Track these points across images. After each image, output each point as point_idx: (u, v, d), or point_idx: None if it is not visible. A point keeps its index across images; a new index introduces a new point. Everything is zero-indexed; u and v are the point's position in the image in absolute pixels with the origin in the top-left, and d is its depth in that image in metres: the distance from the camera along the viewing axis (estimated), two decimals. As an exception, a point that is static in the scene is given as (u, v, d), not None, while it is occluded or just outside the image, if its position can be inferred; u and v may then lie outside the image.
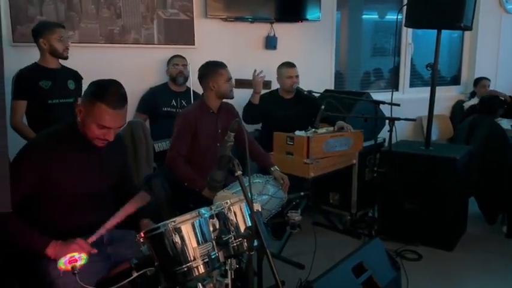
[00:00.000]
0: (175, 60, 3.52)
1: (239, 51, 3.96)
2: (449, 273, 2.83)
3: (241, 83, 3.97)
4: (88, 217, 1.79)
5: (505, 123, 3.98)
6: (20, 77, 2.72)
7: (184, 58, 3.55)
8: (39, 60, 2.81)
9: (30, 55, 2.84)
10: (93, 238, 1.65)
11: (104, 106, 1.66)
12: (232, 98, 2.78)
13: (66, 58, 2.83)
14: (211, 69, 2.69)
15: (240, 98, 3.69)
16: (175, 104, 3.49)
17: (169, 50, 3.60)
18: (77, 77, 2.95)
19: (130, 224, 1.91)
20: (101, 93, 1.68)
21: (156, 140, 3.16)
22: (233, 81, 2.78)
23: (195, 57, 3.48)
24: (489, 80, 5.07)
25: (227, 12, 3.81)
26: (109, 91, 1.68)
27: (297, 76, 3.56)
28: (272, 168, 2.69)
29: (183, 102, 3.48)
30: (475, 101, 4.82)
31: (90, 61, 3.23)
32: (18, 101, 2.71)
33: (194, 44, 3.75)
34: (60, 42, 2.76)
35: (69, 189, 1.74)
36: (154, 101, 3.48)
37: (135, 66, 3.56)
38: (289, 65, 3.57)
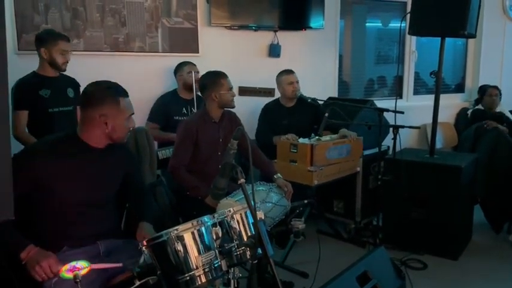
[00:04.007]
0: (190, 68, 3.47)
1: (243, 59, 3.97)
2: (455, 283, 2.80)
3: (245, 91, 4.00)
4: (90, 227, 1.79)
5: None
6: (20, 87, 2.70)
7: (195, 65, 3.51)
8: (37, 69, 2.78)
9: (35, 63, 2.85)
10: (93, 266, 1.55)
11: (124, 98, 1.80)
12: (233, 107, 2.77)
13: (63, 71, 2.81)
14: (212, 80, 2.68)
15: (243, 105, 3.70)
16: (185, 112, 3.48)
17: (174, 58, 3.62)
18: (75, 85, 2.94)
19: (131, 225, 1.91)
20: (115, 90, 1.79)
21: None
22: (234, 90, 2.77)
23: (200, 65, 3.50)
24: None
25: (231, 20, 3.82)
26: (115, 85, 1.82)
27: (297, 81, 3.59)
28: (275, 176, 2.69)
29: (193, 110, 3.47)
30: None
31: (95, 69, 3.25)
32: (20, 111, 2.69)
33: (198, 52, 3.76)
34: (60, 56, 2.73)
35: (69, 197, 1.74)
36: (167, 110, 3.47)
37: (140, 75, 3.57)
38: (287, 72, 3.60)
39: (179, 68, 3.53)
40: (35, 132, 2.75)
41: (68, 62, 2.79)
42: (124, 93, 1.82)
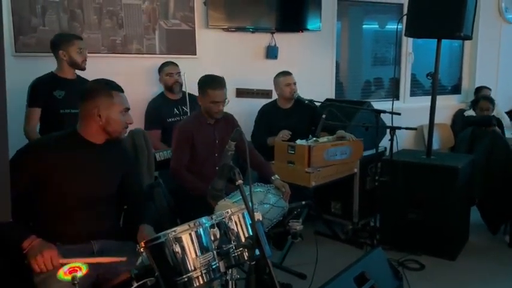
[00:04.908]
0: (169, 69, 3.48)
1: (240, 61, 3.98)
2: (452, 283, 2.81)
3: (242, 93, 4.00)
4: (85, 226, 1.79)
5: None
6: (36, 85, 2.80)
7: (177, 65, 3.51)
8: (56, 70, 2.86)
9: (32, 65, 2.86)
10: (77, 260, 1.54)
11: (118, 93, 1.86)
12: (218, 117, 2.72)
13: (84, 69, 2.90)
14: (203, 85, 2.67)
15: (240, 107, 3.71)
16: (177, 112, 3.49)
17: (171, 60, 3.61)
18: None
19: (130, 227, 1.91)
20: (108, 85, 1.85)
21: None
22: (227, 100, 2.69)
23: (197, 67, 3.50)
24: (490, 89, 5.07)
25: (228, 22, 3.83)
26: (111, 82, 1.89)
27: (295, 83, 3.60)
28: (273, 177, 2.69)
29: (184, 109, 3.47)
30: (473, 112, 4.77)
31: (92, 71, 3.24)
32: (33, 108, 2.79)
33: (196, 54, 3.77)
34: (79, 54, 2.84)
35: (68, 191, 1.75)
36: (159, 113, 3.47)
37: (137, 76, 3.57)
38: (285, 73, 3.61)
39: (160, 69, 3.53)
40: (45, 131, 2.80)
41: (86, 60, 2.88)
42: (118, 88, 1.87)
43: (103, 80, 1.91)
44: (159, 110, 3.48)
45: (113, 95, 1.82)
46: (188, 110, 3.39)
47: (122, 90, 1.88)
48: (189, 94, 3.40)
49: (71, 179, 1.76)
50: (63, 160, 1.75)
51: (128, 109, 1.88)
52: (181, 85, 3.48)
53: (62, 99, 2.81)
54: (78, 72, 2.94)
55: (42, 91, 2.79)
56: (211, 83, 2.65)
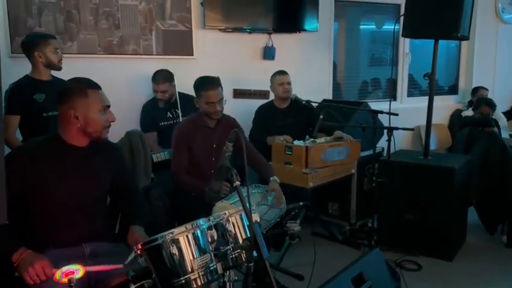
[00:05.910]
0: (154, 85, 3.43)
1: (237, 62, 3.98)
2: (449, 284, 2.81)
3: (239, 94, 4.00)
4: (76, 230, 1.78)
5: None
6: (14, 91, 2.67)
7: (165, 81, 3.40)
8: (31, 73, 2.75)
9: (29, 66, 2.84)
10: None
11: (95, 90, 1.78)
12: (217, 118, 2.68)
13: (60, 69, 2.79)
14: (197, 89, 2.66)
15: (238, 108, 3.70)
16: (171, 115, 3.48)
17: (168, 61, 3.61)
18: None
19: (122, 228, 1.90)
20: (84, 84, 1.78)
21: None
22: (224, 99, 2.67)
23: (194, 68, 3.49)
24: (487, 89, 5.08)
25: (225, 23, 3.82)
26: (85, 80, 1.80)
27: (289, 83, 3.59)
28: (271, 178, 2.68)
29: (178, 111, 3.46)
30: (470, 112, 4.77)
31: (88, 72, 3.19)
32: (12, 115, 2.66)
33: (193, 55, 3.76)
34: (55, 54, 2.72)
35: (55, 197, 1.73)
36: (152, 117, 3.48)
37: (134, 77, 3.56)
38: (280, 72, 3.61)
39: (152, 79, 3.46)
40: (30, 136, 2.69)
41: (62, 60, 2.78)
42: (94, 86, 1.79)
43: (77, 78, 1.83)
44: (152, 114, 3.48)
45: (88, 94, 1.74)
46: (180, 112, 3.39)
47: (98, 87, 1.80)
48: (181, 94, 3.39)
49: (57, 184, 1.72)
50: (51, 164, 1.72)
51: (107, 106, 1.80)
52: (167, 101, 3.46)
53: (43, 102, 2.70)
54: (53, 72, 2.84)
55: (21, 97, 2.65)
56: (204, 84, 2.63)
